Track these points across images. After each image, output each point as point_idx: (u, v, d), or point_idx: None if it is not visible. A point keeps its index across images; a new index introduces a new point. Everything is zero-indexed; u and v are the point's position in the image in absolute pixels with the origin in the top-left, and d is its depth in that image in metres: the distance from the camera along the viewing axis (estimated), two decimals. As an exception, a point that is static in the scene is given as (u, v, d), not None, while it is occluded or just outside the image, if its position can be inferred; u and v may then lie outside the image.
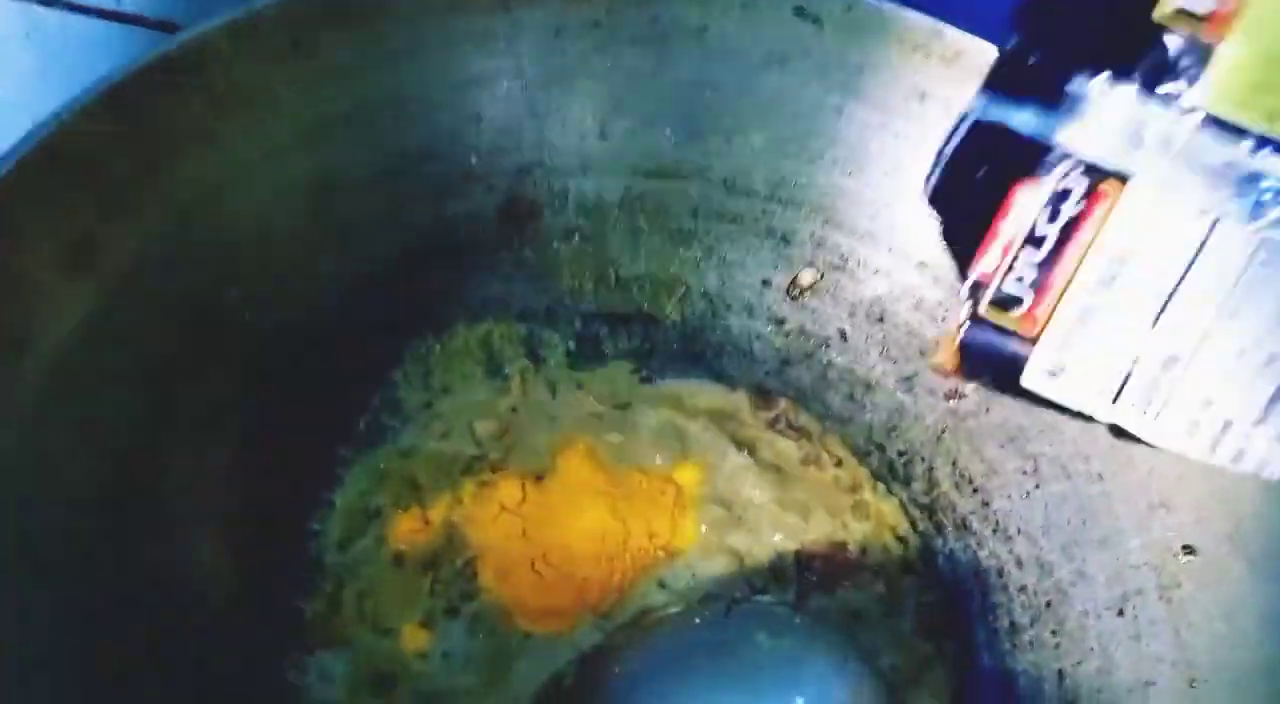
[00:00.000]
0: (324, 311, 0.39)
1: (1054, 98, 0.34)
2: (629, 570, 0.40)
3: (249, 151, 0.35)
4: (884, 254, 0.43)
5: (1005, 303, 0.34)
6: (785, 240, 0.44)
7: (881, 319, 0.44)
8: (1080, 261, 0.33)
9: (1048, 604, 0.41)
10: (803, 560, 0.42)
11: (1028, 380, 0.34)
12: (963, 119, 0.37)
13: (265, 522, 0.37)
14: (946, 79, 0.39)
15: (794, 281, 0.44)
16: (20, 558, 0.30)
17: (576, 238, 0.43)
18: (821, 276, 0.44)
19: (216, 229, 0.35)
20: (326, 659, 0.37)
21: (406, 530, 0.40)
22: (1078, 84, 0.33)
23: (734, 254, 0.44)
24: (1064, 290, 0.33)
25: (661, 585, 0.40)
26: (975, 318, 0.35)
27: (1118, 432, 0.35)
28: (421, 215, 0.40)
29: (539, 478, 0.41)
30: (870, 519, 0.43)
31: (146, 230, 0.33)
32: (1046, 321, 0.34)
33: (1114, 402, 0.34)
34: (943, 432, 0.44)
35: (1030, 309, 0.34)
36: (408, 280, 0.41)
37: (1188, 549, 0.38)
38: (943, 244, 0.39)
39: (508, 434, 0.42)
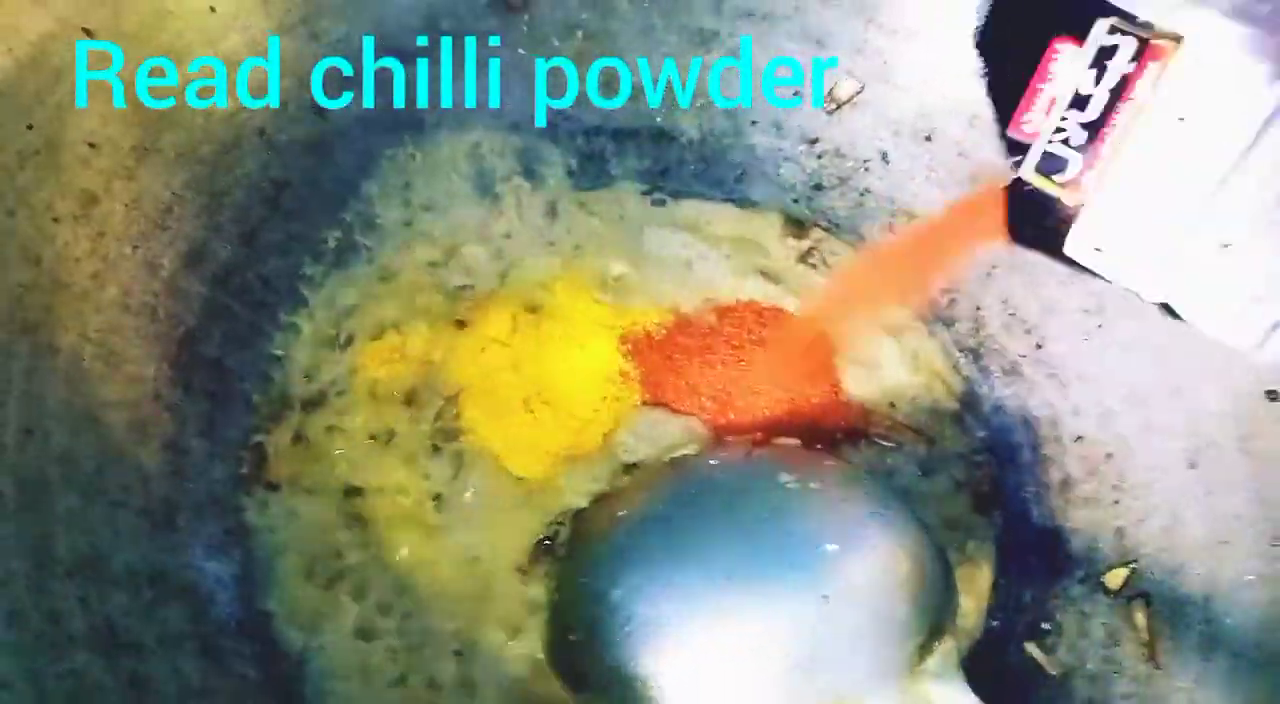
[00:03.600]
0: (282, 103, 0.34)
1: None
2: (634, 411, 0.36)
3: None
4: (935, 61, 0.38)
5: (1050, 167, 0.30)
6: (821, 43, 0.38)
7: (929, 138, 0.39)
8: (1130, 127, 0.29)
9: (1107, 456, 0.36)
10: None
11: (1071, 249, 0.31)
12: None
13: (221, 344, 0.33)
14: None
15: (830, 93, 0.39)
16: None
17: (579, 35, 0.38)
18: (862, 88, 0.39)
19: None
20: (292, 499, 0.33)
21: (382, 361, 0.35)
22: None
23: (762, 60, 0.38)
24: (1113, 158, 0.30)
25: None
26: (1019, 182, 0.31)
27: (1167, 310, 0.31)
28: (396, -2, 0.35)
29: (533, 309, 0.37)
30: (911, 365, 0.38)
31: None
32: (1094, 189, 0.30)
33: (1160, 280, 0.29)
34: (994, 267, 0.39)
35: (1078, 175, 0.30)
36: (379, 74, 0.35)
37: (1272, 395, 0.33)
38: (988, 99, 0.35)
39: (499, 260, 0.37)
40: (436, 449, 0.34)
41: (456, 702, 0.32)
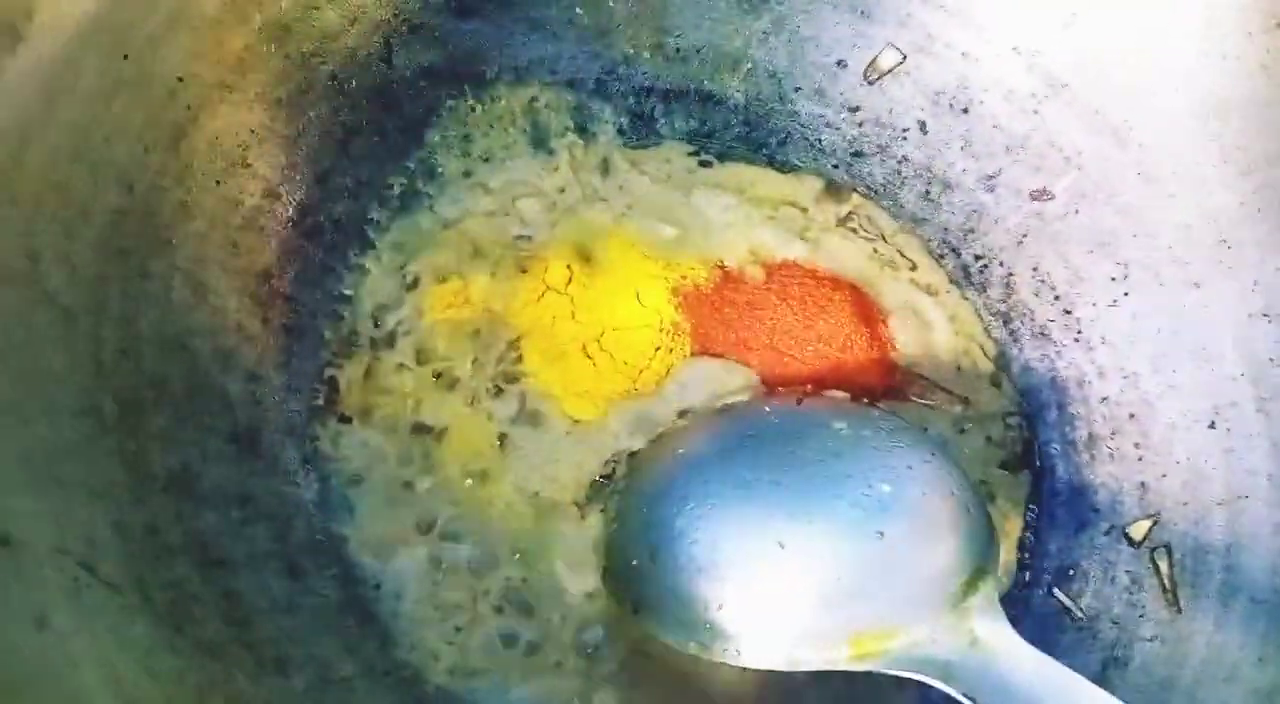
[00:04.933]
0: (355, 53, 0.35)
1: None
2: (686, 362, 0.37)
3: None
4: (975, 35, 0.39)
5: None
6: (866, 15, 0.39)
7: (966, 110, 0.40)
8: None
9: (1131, 416, 0.38)
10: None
11: None
12: None
13: (294, 281, 0.33)
14: None
15: (873, 63, 0.40)
16: (28, 287, 0.26)
17: (632, -1, 0.39)
18: (904, 59, 0.40)
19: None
20: (363, 431, 0.34)
21: (447, 305, 0.36)
22: None
23: (808, 28, 0.40)
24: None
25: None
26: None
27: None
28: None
29: (586, 260, 0.38)
30: (950, 327, 0.40)
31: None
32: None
33: None
34: (1025, 235, 0.40)
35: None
36: (446, 27, 0.36)
37: (1289, 360, 0.35)
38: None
39: (553, 212, 0.38)
40: (499, 390, 0.35)
41: (519, 624, 0.33)
